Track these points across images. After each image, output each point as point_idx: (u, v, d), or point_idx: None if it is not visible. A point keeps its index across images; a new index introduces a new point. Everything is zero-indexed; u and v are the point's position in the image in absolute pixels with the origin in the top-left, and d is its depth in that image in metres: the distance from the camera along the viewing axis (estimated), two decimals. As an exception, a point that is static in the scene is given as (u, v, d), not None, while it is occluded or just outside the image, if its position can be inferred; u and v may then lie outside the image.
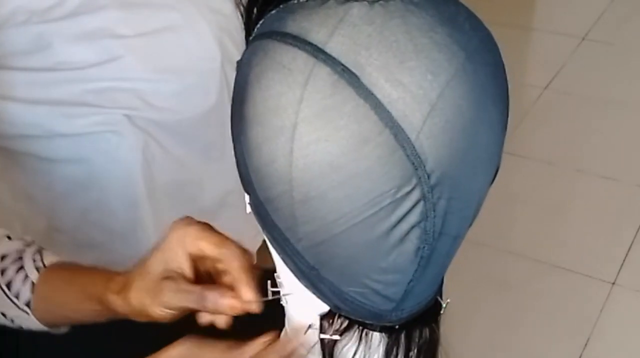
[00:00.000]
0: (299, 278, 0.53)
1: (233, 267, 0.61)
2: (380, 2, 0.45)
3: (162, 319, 0.64)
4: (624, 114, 2.13)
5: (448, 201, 0.46)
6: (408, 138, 0.44)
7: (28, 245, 0.79)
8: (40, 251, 0.78)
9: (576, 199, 1.84)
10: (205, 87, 1.39)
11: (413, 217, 0.46)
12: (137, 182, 1.30)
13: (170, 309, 0.63)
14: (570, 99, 2.18)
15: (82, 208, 1.31)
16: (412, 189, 0.45)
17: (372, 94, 0.44)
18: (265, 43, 0.48)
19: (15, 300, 0.74)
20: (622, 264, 1.72)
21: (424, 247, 0.47)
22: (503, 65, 0.49)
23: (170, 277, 0.63)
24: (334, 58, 0.44)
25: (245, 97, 0.48)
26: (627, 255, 1.74)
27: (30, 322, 0.75)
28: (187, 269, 0.63)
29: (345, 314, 0.53)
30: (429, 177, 0.44)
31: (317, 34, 0.45)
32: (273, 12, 0.49)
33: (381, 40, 0.44)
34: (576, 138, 2.07)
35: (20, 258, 0.76)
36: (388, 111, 0.44)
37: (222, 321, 0.62)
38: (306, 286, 0.52)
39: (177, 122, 1.35)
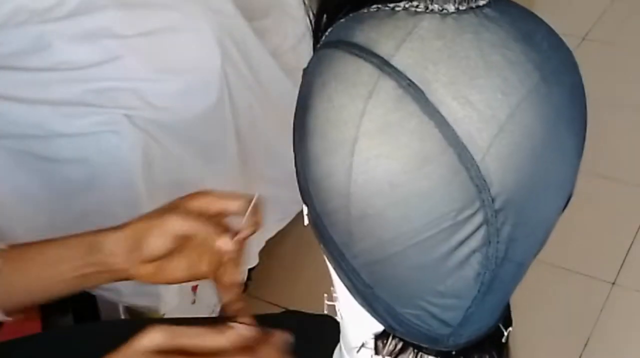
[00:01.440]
0: (353, 296, 0.51)
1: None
2: (453, 15, 0.43)
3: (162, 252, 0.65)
4: (624, 114, 2.13)
5: (513, 227, 0.44)
6: (473, 159, 0.42)
7: None
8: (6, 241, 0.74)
9: (576, 199, 1.84)
10: (205, 87, 1.39)
11: (474, 242, 0.44)
12: (137, 182, 1.30)
13: (173, 237, 0.64)
14: (570, 99, 2.17)
15: (82, 208, 1.31)
16: (475, 213, 0.43)
17: (438, 111, 0.42)
18: (331, 52, 0.46)
19: None
20: (622, 264, 1.72)
21: (484, 273, 0.45)
22: (582, 88, 0.47)
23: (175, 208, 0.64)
24: (399, 72, 0.43)
25: (308, 107, 0.47)
26: (627, 255, 1.74)
27: None
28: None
29: (400, 335, 0.51)
30: (493, 200, 0.43)
31: (384, 46, 0.44)
32: (342, 20, 0.48)
33: (450, 55, 0.42)
34: (576, 138, 2.07)
35: None
36: (453, 129, 0.42)
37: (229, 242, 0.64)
38: (361, 304, 0.51)
39: (177, 122, 1.36)
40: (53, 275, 0.70)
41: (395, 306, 0.49)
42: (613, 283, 1.68)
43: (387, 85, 0.43)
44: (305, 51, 1.58)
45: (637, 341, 1.56)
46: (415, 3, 0.44)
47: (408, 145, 0.42)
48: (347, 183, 0.45)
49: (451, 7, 0.44)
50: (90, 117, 1.27)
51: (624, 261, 1.73)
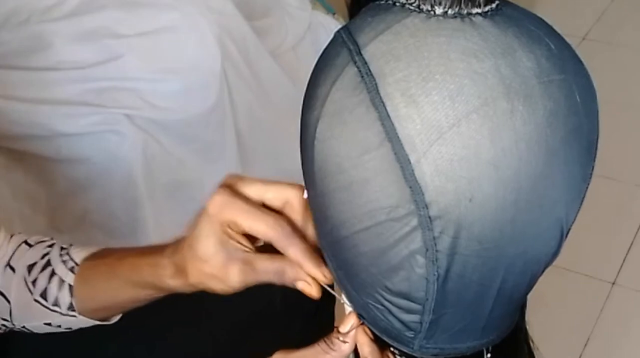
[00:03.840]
0: (333, 277, 0.53)
1: (285, 249, 0.57)
2: (438, 16, 0.44)
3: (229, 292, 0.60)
4: (624, 114, 2.13)
5: (454, 239, 0.43)
6: (408, 159, 0.42)
7: (50, 245, 0.74)
8: (66, 249, 0.72)
9: (576, 199, 1.84)
10: (205, 87, 1.39)
11: (413, 244, 0.44)
12: (137, 182, 1.30)
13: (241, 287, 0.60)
14: (570, 99, 2.17)
15: (82, 208, 1.31)
16: (408, 214, 0.43)
17: (384, 104, 0.42)
18: (335, 35, 0.48)
19: (55, 308, 0.70)
20: (622, 264, 1.72)
21: (433, 281, 0.45)
22: (581, 128, 0.45)
23: (232, 257, 0.58)
24: (365, 61, 0.44)
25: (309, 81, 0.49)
26: (627, 255, 1.74)
27: (79, 322, 0.71)
28: (244, 242, 0.58)
29: (368, 326, 0.52)
30: (427, 206, 0.42)
31: (364, 36, 0.45)
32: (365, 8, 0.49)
33: (414, 54, 0.43)
34: (576, 138, 2.06)
35: (48, 263, 0.71)
36: (393, 125, 0.42)
37: (313, 290, 0.57)
38: (339, 286, 0.52)
39: (177, 122, 1.36)
40: (129, 299, 0.68)
41: (357, 292, 0.50)
42: (613, 283, 1.68)
43: (352, 72, 0.44)
44: (305, 51, 1.58)
45: (637, 341, 1.56)
46: (411, 0, 0.45)
47: (355, 132, 0.44)
48: (312, 160, 0.47)
49: (439, 10, 0.44)
50: (90, 117, 1.27)
51: (624, 261, 1.73)
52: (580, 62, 0.47)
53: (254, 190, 0.58)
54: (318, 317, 0.93)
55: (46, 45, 1.31)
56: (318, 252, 0.56)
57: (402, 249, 0.44)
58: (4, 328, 0.75)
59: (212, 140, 1.42)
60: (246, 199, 0.58)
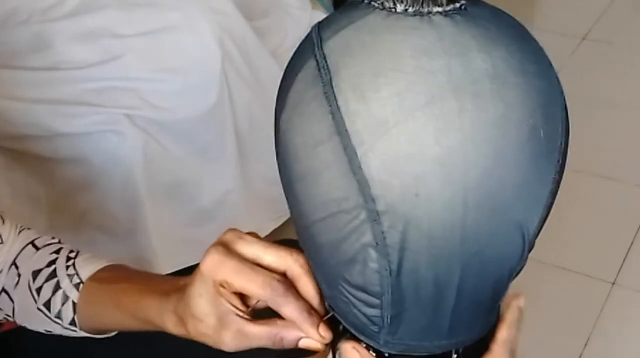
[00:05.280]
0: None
1: (279, 308, 0.55)
2: (398, 14, 0.44)
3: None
4: (624, 114, 2.13)
5: (403, 235, 0.44)
6: (355, 153, 0.43)
7: (57, 251, 0.72)
8: (73, 259, 0.71)
9: (576, 199, 1.84)
10: (205, 87, 1.39)
11: (364, 237, 0.44)
12: (137, 182, 1.30)
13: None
14: (570, 99, 2.17)
15: (82, 208, 1.31)
16: (357, 206, 0.44)
17: (335, 98, 0.43)
18: (311, 29, 0.49)
19: (58, 320, 0.70)
20: (622, 264, 1.71)
21: (386, 276, 0.45)
22: (529, 125, 0.44)
23: (225, 321, 0.56)
24: (324, 55, 0.45)
25: None
26: (627, 255, 1.74)
27: (80, 334, 0.71)
28: (238, 305, 0.57)
29: (338, 317, 0.53)
30: (374, 200, 0.43)
31: (329, 30, 0.46)
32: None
33: (369, 50, 0.43)
34: (576, 138, 2.06)
35: (54, 273, 0.71)
36: (343, 119, 0.43)
37: (318, 344, 0.55)
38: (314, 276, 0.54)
39: (177, 122, 1.36)
40: (130, 327, 0.67)
41: (325, 284, 0.51)
42: (613, 283, 1.68)
43: (311, 65, 0.45)
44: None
45: (637, 341, 1.56)
46: None
47: (309, 124, 0.45)
48: (277, 151, 0.49)
49: (399, 7, 0.44)
50: (90, 117, 1.27)
51: (624, 261, 1.73)
52: (549, 66, 0.47)
53: (251, 251, 0.56)
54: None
55: (46, 45, 1.31)
56: (316, 312, 0.55)
57: (354, 242, 0.45)
58: (5, 320, 0.76)
59: (212, 140, 1.42)
60: (239, 258, 0.56)
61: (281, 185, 0.50)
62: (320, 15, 1.68)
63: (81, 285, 0.69)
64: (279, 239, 0.62)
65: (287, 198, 0.50)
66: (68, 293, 0.69)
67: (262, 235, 1.59)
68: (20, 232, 0.76)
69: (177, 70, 1.35)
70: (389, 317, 0.48)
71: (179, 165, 1.38)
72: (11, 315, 0.74)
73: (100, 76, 1.31)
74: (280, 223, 1.61)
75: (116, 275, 0.69)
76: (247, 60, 1.45)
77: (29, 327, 0.74)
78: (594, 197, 1.84)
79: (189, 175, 1.41)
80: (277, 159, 0.50)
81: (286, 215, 1.61)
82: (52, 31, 1.32)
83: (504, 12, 0.47)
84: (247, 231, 0.59)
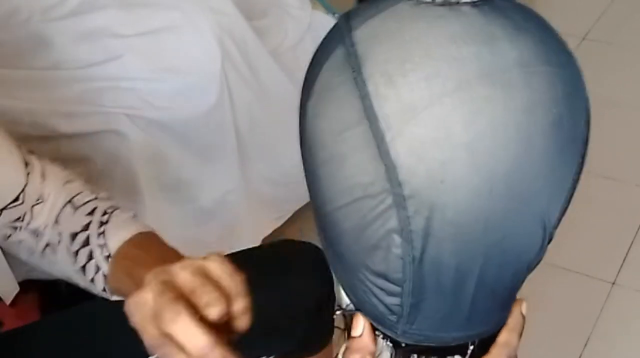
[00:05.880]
0: (325, 255, 0.54)
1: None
2: (427, 3, 0.45)
3: None
4: (624, 114, 2.13)
5: (428, 221, 0.44)
6: (383, 137, 0.43)
7: (91, 212, 0.76)
8: (105, 225, 0.75)
9: (576, 199, 1.84)
10: (205, 87, 1.39)
11: (389, 223, 0.45)
12: (137, 181, 1.30)
13: None
14: (571, 99, 2.17)
15: (82, 208, 1.31)
16: (383, 191, 0.44)
17: (365, 84, 0.44)
18: (337, 19, 0.49)
19: (91, 285, 0.75)
20: (622, 264, 1.72)
21: (409, 262, 0.45)
22: (555, 113, 0.45)
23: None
24: (353, 42, 0.45)
25: None
26: (627, 255, 1.74)
27: (111, 298, 0.75)
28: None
29: (356, 306, 0.53)
30: (400, 185, 0.43)
31: (358, 19, 0.47)
32: None
33: (397, 38, 0.44)
34: (576, 138, 2.06)
35: (87, 241, 0.74)
36: (372, 104, 0.43)
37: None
38: (331, 267, 0.53)
39: (177, 122, 1.36)
40: None
41: (344, 272, 0.51)
42: (613, 283, 1.68)
43: (340, 52, 0.46)
44: (305, 51, 1.58)
45: (637, 341, 1.56)
46: None
47: (337, 109, 0.45)
48: (303, 138, 0.49)
49: None
50: (90, 117, 1.27)
51: (624, 261, 1.73)
52: (571, 57, 0.48)
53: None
54: (319, 317, 0.93)
55: (46, 45, 1.31)
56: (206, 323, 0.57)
57: (379, 227, 0.45)
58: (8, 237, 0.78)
59: (212, 140, 1.42)
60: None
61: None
62: (320, 15, 1.68)
63: (110, 258, 0.73)
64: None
65: (309, 187, 0.50)
66: (99, 265, 0.73)
67: (262, 235, 1.59)
68: (65, 183, 0.79)
69: (177, 70, 1.35)
70: (408, 305, 0.48)
71: (179, 165, 1.38)
72: (52, 270, 0.78)
73: (100, 76, 1.31)
74: (280, 223, 1.61)
75: (144, 249, 0.72)
76: (247, 60, 1.45)
77: (68, 281, 0.78)
78: (594, 197, 1.84)
79: (189, 175, 1.41)
80: (300, 146, 0.50)
81: (286, 215, 1.61)
82: (52, 31, 1.32)
83: (525, 6, 0.48)
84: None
